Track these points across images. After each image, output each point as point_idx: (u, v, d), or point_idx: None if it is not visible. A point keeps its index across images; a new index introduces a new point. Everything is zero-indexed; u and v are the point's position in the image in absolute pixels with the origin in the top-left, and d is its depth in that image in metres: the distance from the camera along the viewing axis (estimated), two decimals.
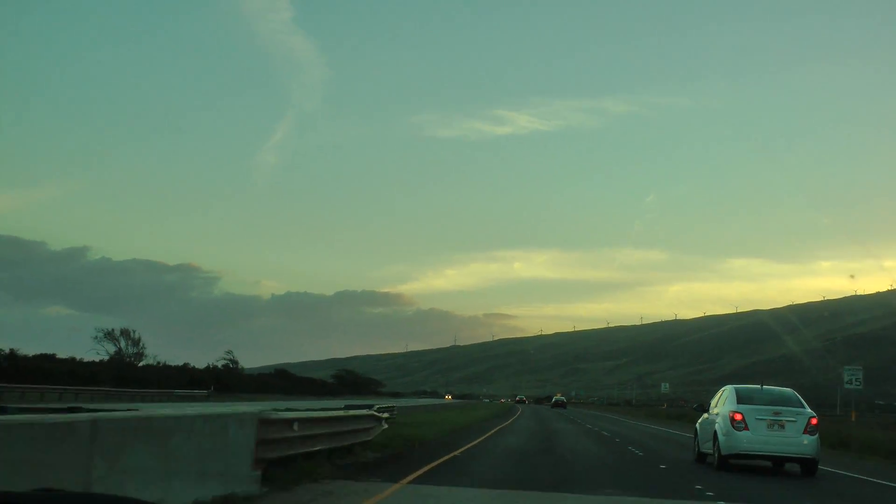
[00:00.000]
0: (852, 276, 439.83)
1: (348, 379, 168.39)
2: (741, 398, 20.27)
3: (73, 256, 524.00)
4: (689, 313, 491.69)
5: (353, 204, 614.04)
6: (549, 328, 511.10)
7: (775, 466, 20.62)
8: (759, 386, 21.37)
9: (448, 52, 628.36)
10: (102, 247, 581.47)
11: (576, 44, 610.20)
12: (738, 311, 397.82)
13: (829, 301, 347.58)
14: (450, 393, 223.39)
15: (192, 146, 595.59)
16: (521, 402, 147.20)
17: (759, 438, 19.29)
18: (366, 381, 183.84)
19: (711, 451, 20.60)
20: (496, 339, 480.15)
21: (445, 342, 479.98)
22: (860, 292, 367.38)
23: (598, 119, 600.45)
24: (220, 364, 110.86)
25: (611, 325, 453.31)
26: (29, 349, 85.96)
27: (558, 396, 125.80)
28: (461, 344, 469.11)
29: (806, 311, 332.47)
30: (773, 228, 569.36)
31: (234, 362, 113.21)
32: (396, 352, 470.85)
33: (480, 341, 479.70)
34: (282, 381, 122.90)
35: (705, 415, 22.51)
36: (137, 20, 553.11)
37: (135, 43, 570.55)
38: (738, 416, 19.52)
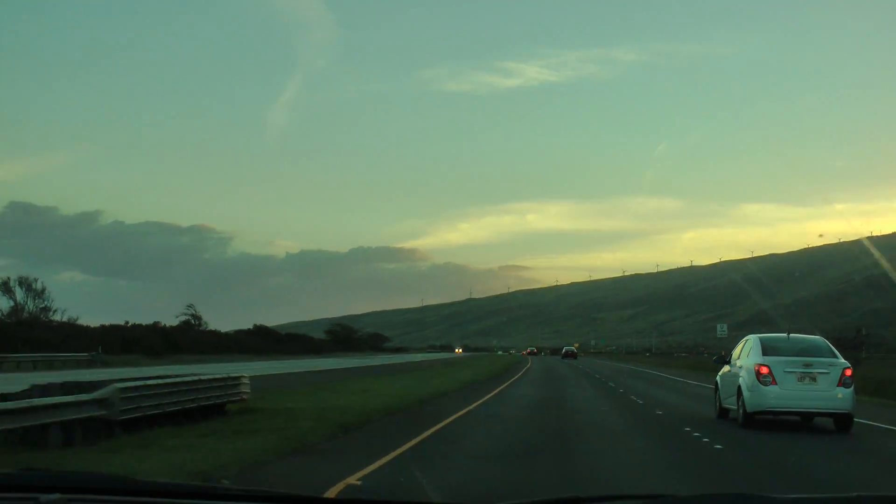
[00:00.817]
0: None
1: (342, 335, 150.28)
2: (767, 349, 18.45)
3: (86, 221, 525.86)
4: (704, 260, 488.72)
5: (364, 160, 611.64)
6: (565, 279, 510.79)
7: (804, 421, 18.87)
8: (785, 335, 19.52)
9: (454, 5, 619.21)
10: (115, 210, 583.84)
11: None
12: (754, 255, 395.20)
13: (844, 243, 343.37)
14: (463, 346, 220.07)
15: (202, 107, 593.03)
16: (532, 354, 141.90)
17: (789, 393, 17.52)
18: (366, 336, 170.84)
19: (735, 407, 18.89)
20: (512, 290, 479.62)
21: (461, 296, 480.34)
22: (875, 233, 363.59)
23: (608, 69, 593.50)
24: (180, 320, 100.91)
25: (626, 273, 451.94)
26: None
27: (569, 347, 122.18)
28: (477, 297, 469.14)
29: (822, 253, 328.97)
30: (785, 172, 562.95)
31: (197, 318, 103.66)
32: (412, 307, 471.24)
33: (496, 293, 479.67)
34: (258, 340, 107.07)
35: (726, 367, 20.79)
36: None
37: (141, 7, 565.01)
38: (765, 370, 17.71)
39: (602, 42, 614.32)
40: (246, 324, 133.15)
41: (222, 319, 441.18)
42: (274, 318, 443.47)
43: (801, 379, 17.62)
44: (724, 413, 20.31)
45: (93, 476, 3.05)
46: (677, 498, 2.22)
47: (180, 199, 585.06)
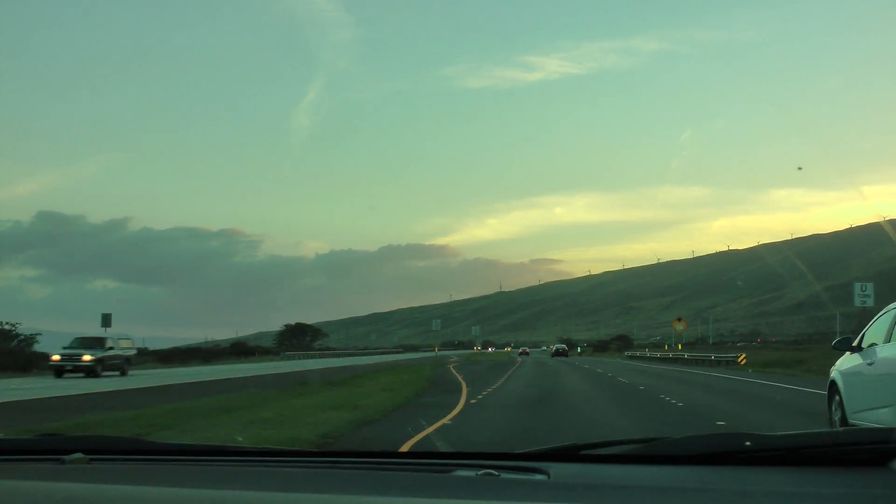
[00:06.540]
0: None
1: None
2: None
3: (115, 228, 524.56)
4: (739, 246, 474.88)
5: (390, 159, 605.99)
6: (597, 270, 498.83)
7: None
8: None
9: (472, 2, 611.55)
10: (143, 217, 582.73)
11: None
12: (794, 237, 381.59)
13: (892, 220, 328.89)
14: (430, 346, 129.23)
15: (227, 112, 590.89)
16: (524, 353, 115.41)
17: None
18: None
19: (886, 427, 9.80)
20: (542, 282, 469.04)
21: (491, 290, 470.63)
22: None
23: (630, 58, 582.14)
24: None
25: (662, 260, 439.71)
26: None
27: (560, 345, 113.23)
28: (507, 290, 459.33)
29: (868, 232, 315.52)
30: (814, 156, 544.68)
31: None
32: (440, 302, 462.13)
33: (527, 286, 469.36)
34: None
35: (853, 357, 11.77)
36: None
37: (165, 17, 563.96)
38: None
39: (622, 32, 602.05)
40: (276, 326, 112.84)
41: (253, 322, 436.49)
42: (304, 318, 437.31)
43: None
44: None
45: (110, 439, 3.00)
46: (671, 439, 2.28)
47: (208, 204, 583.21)
